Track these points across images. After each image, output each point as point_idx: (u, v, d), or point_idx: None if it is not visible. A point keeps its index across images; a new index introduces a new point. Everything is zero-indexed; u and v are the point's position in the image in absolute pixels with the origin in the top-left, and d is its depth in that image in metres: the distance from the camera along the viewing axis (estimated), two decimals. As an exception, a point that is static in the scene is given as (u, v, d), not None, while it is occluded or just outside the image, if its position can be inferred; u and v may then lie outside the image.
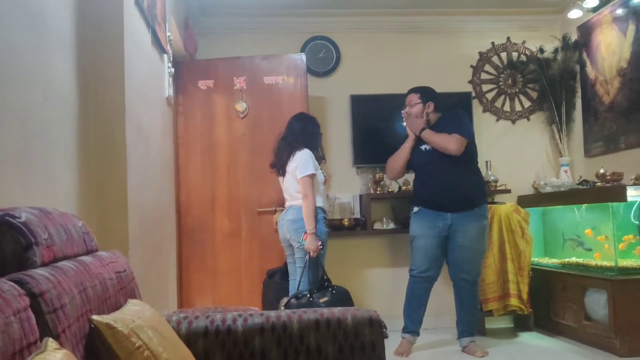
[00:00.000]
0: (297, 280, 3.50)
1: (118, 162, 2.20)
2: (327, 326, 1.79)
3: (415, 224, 3.72)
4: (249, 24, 4.59)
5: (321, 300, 3.36)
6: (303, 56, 4.18)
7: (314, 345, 1.76)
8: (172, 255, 3.65)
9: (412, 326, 3.70)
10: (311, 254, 3.41)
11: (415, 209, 3.75)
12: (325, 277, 3.55)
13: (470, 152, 3.65)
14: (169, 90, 3.38)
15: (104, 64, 2.19)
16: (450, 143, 3.55)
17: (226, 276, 4.02)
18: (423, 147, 3.71)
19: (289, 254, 3.66)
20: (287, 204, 3.67)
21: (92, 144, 2.15)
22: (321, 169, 3.67)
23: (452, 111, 3.78)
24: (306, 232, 3.42)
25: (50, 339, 0.89)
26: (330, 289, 3.48)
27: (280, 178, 3.71)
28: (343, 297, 3.45)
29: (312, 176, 3.48)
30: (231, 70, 4.09)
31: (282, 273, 3.78)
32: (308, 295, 3.37)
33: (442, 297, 4.24)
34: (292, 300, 3.37)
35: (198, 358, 1.66)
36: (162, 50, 3.12)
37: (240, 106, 4.05)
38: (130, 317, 1.24)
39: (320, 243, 3.43)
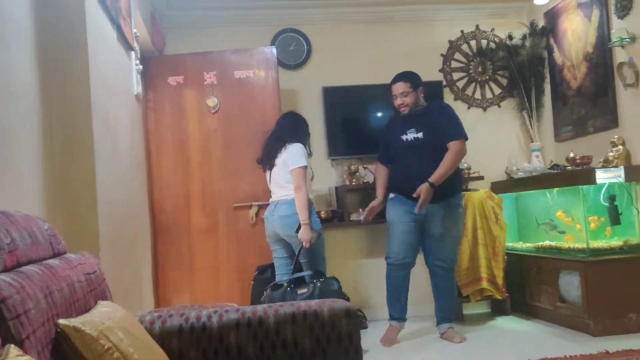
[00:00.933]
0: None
1: (85, 160, 2.16)
2: (303, 319, 1.78)
3: (392, 210, 3.73)
4: (217, 18, 4.54)
5: (299, 292, 3.34)
6: (273, 49, 4.15)
7: (291, 339, 1.75)
8: (146, 254, 3.61)
9: (397, 314, 3.70)
10: (304, 244, 3.40)
11: (392, 195, 3.76)
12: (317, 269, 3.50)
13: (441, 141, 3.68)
14: (137, 88, 3.33)
15: (67, 61, 2.14)
16: (458, 155, 3.59)
17: (204, 273, 4.00)
18: (404, 137, 3.70)
19: (277, 249, 3.64)
20: (273, 198, 3.62)
21: (57, 144, 2.10)
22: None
23: (439, 105, 3.82)
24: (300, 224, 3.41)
25: (12, 345, 0.87)
26: (316, 281, 3.40)
27: (267, 172, 3.68)
28: (326, 292, 3.30)
29: (305, 168, 3.49)
30: (201, 65, 4.05)
31: (274, 269, 3.74)
32: (286, 285, 3.36)
33: (420, 285, 4.27)
34: (267, 290, 3.36)
35: (173, 357, 1.64)
36: (128, 47, 3.07)
37: (212, 101, 4.01)
38: (100, 319, 1.22)
39: (316, 233, 3.44)
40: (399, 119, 3.78)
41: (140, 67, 3.40)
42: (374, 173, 4.03)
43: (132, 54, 3.20)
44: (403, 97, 3.67)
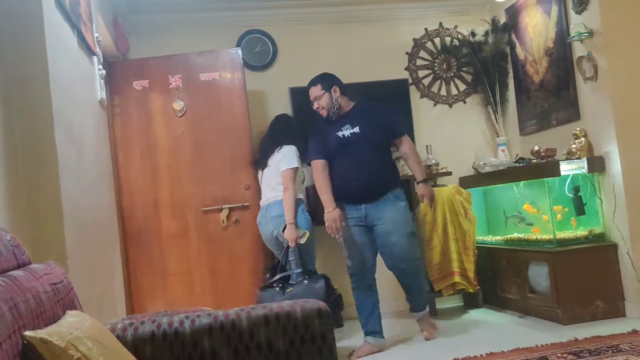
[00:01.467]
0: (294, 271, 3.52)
1: (49, 169, 2.12)
2: (276, 320, 1.78)
3: None
4: (181, 20, 4.49)
5: (287, 291, 3.38)
6: (239, 51, 4.13)
7: (265, 341, 1.75)
8: (117, 261, 3.56)
9: (372, 326, 3.49)
10: (290, 243, 3.48)
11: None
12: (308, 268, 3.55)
13: (389, 141, 3.61)
14: (101, 93, 3.28)
15: (27, 70, 2.09)
16: (414, 147, 3.64)
17: (176, 278, 3.96)
18: (341, 133, 3.49)
19: (278, 253, 3.68)
20: (263, 200, 3.70)
21: (19, 153, 2.06)
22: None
23: (374, 103, 3.68)
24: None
25: (-23, 360, 0.85)
26: (302, 279, 3.43)
27: (260, 172, 3.78)
28: (310, 290, 3.31)
29: (296, 170, 3.61)
30: (166, 68, 4.01)
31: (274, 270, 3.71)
32: (275, 286, 3.42)
33: (389, 282, 4.30)
34: (258, 290, 3.46)
35: (146, 364, 1.62)
36: (90, 52, 3.01)
37: (178, 105, 3.97)
38: (68, 330, 1.20)
39: (302, 233, 3.51)
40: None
41: (104, 72, 3.35)
42: (313, 178, 3.62)
43: (95, 59, 3.15)
44: (317, 101, 3.55)
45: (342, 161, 3.48)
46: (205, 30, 4.52)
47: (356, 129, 3.47)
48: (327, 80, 3.59)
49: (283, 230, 3.53)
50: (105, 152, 3.48)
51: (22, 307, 1.17)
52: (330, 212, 3.41)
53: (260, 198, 3.85)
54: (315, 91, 3.57)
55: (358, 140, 3.45)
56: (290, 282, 3.50)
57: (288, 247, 3.52)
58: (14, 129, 2.04)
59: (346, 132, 3.48)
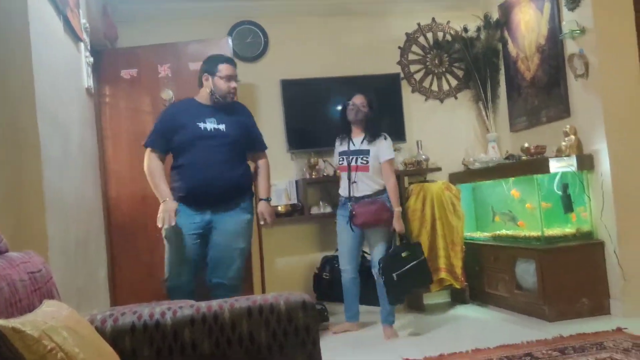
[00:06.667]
0: (381, 251, 3.69)
1: (31, 157, 2.08)
2: (259, 313, 1.76)
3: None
4: (171, 10, 4.44)
5: (403, 255, 3.70)
6: (229, 40, 4.08)
7: (247, 333, 1.73)
8: (102, 254, 3.52)
9: None
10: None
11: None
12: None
13: (249, 151, 3.31)
14: (88, 81, 3.23)
15: (9, 54, 2.05)
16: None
17: (163, 272, 3.91)
18: (203, 125, 3.11)
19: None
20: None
21: (1, 141, 2.02)
22: None
23: (243, 105, 3.39)
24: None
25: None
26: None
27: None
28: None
29: None
30: (155, 57, 3.95)
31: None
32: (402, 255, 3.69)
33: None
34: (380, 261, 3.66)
35: (125, 356, 1.60)
36: (77, 38, 2.97)
37: (166, 94, 3.91)
38: (43, 319, 1.17)
39: None
40: (193, 105, 3.21)
41: (91, 59, 3.30)
42: (148, 167, 3.16)
43: (82, 45, 3.10)
44: (235, 81, 3.19)
45: (195, 157, 3.09)
46: (195, 21, 4.48)
47: (222, 126, 3.14)
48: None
49: None
50: (92, 142, 3.43)
51: (-5, 296, 1.15)
52: (167, 202, 3.04)
53: None
54: (234, 71, 3.23)
55: (221, 139, 3.11)
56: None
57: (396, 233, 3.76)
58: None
59: (209, 125, 3.13)
